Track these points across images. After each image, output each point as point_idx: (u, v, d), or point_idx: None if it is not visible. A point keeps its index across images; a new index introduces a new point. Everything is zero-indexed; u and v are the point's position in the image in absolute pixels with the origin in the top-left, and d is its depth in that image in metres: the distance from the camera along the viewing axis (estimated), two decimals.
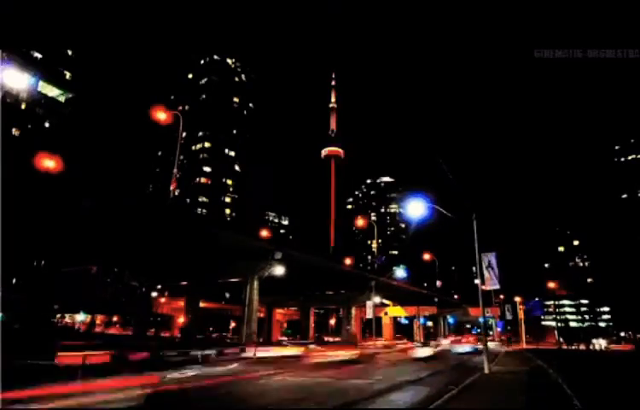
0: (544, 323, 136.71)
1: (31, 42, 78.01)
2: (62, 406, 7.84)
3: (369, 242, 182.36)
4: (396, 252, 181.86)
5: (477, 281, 24.00)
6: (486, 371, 20.05)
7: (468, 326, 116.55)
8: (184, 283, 47.43)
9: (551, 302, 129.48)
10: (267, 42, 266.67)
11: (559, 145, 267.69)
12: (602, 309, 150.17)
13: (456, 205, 25.35)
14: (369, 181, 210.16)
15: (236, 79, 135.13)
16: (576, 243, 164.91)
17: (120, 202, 27.84)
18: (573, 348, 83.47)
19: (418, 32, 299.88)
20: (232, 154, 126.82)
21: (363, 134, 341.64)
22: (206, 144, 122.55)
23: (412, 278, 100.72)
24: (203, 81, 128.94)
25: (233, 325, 79.35)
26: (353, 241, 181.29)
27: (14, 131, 69.08)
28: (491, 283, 22.70)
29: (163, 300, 65.59)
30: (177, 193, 44.52)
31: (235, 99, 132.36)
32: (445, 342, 54.97)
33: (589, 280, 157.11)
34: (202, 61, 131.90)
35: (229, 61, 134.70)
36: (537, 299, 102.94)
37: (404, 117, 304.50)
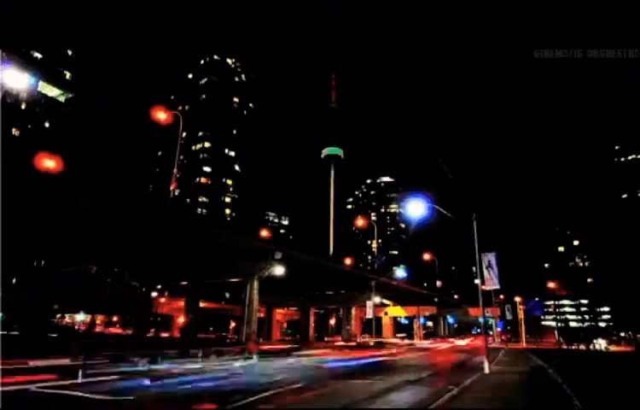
0: (544, 323, 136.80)
1: (31, 42, 78.02)
2: None
3: (369, 242, 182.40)
4: (396, 252, 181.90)
5: (477, 281, 24.00)
6: (486, 371, 20.05)
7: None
8: (184, 283, 47.42)
9: (551, 302, 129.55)
10: (267, 42, 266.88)
11: (559, 145, 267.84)
12: (602, 309, 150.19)
13: (456, 205, 25.37)
14: (369, 181, 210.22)
15: (236, 79, 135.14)
16: (576, 243, 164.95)
17: (120, 202, 27.84)
18: (573, 348, 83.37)
19: (418, 32, 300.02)
20: (232, 154, 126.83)
21: (363, 134, 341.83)
22: (206, 144, 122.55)
23: (412, 278, 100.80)
24: (203, 81, 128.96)
25: (233, 325, 79.30)
26: (353, 241, 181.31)
27: (14, 131, 69.11)
28: (491, 283, 22.70)
29: (163, 300, 65.56)
30: (177, 193, 44.52)
31: (235, 99, 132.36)
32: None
33: (589, 280, 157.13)
34: (202, 61, 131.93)
35: (229, 61, 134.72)
36: (537, 299, 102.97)
37: (404, 117, 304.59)
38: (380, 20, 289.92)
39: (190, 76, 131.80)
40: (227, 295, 77.12)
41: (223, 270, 41.36)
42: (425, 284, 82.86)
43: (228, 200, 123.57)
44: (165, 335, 61.81)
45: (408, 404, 12.72)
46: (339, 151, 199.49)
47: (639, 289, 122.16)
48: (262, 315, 65.10)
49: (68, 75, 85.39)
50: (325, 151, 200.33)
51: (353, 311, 65.67)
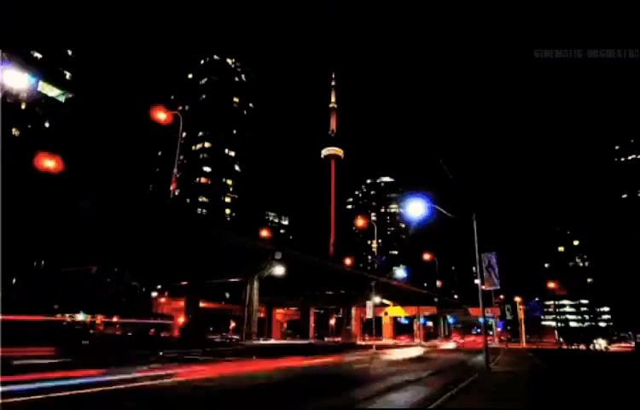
0: (543, 323, 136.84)
1: (31, 42, 78.05)
2: None
3: (369, 242, 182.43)
4: (396, 252, 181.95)
5: (477, 281, 24.01)
6: (487, 370, 20.05)
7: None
8: (184, 283, 47.48)
9: (551, 302, 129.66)
10: (267, 42, 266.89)
11: (559, 145, 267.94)
12: (602, 309, 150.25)
13: (456, 205, 25.34)
14: (369, 181, 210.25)
15: (236, 79, 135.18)
16: (576, 243, 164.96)
17: (120, 203, 27.85)
18: (573, 348, 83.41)
19: (418, 32, 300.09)
20: (232, 154, 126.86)
21: (363, 134, 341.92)
22: (206, 144, 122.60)
23: (412, 278, 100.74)
24: (203, 81, 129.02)
25: (233, 325, 79.26)
26: (353, 241, 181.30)
27: (14, 131, 69.13)
28: (491, 283, 22.70)
29: (163, 300, 65.54)
30: (177, 193, 44.61)
31: (235, 99, 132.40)
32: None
33: (589, 280, 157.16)
34: (202, 61, 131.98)
35: (229, 61, 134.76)
36: (537, 299, 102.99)
37: (403, 117, 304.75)
38: (380, 20, 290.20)
39: (190, 76, 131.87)
40: (227, 295, 77.10)
41: (223, 270, 41.42)
42: (425, 284, 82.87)
43: (228, 200, 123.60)
44: (165, 334, 61.82)
45: (408, 404, 12.72)
46: (339, 151, 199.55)
47: (639, 289, 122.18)
48: (262, 315, 65.17)
49: (68, 75, 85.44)
50: (325, 151, 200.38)
51: (353, 311, 65.71)
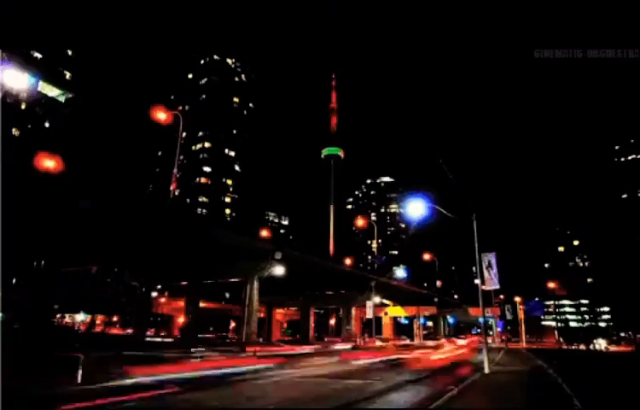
0: (543, 323, 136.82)
1: (31, 42, 78.06)
2: None
3: (369, 242, 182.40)
4: (396, 252, 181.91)
5: (477, 281, 23.99)
6: (486, 371, 20.04)
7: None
8: (184, 283, 47.44)
9: (551, 302, 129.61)
10: (267, 42, 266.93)
11: (559, 145, 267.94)
12: (602, 309, 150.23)
13: (456, 205, 25.33)
14: (369, 181, 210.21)
15: (236, 79, 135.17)
16: (576, 243, 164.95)
17: (120, 203, 27.84)
18: (573, 348, 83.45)
19: (418, 32, 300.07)
20: (232, 154, 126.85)
21: (363, 134, 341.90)
22: (206, 144, 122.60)
23: (412, 278, 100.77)
24: (203, 81, 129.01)
25: (233, 325, 79.35)
26: (353, 241, 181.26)
27: (14, 131, 69.14)
28: (491, 283, 22.68)
29: (163, 300, 65.60)
30: (177, 193, 44.61)
31: (235, 99, 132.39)
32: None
33: (589, 280, 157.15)
34: (202, 61, 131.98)
35: (229, 61, 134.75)
36: (537, 299, 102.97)
37: (403, 117, 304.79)
38: (380, 20, 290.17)
39: (190, 76, 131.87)
40: (227, 295, 77.11)
41: (223, 270, 41.37)
42: (425, 284, 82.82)
43: (228, 200, 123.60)
44: (165, 334, 61.88)
45: (408, 404, 12.72)
46: (339, 151, 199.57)
47: (639, 289, 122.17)
48: (262, 315, 65.05)
49: (68, 75, 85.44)
50: (325, 151, 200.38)
51: (353, 311, 65.61)
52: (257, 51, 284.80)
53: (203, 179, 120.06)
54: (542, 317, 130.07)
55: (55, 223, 28.54)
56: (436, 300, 77.92)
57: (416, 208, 22.58)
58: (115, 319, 78.13)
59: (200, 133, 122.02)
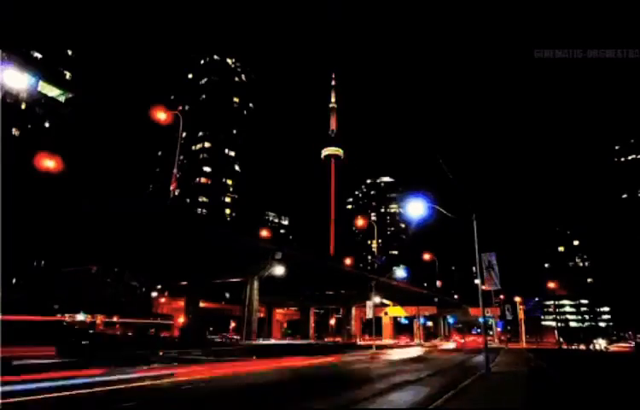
0: (543, 323, 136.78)
1: (31, 42, 78.02)
2: None
3: (369, 242, 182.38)
4: (396, 252, 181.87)
5: (477, 281, 23.99)
6: (486, 371, 20.05)
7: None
8: (184, 283, 47.48)
9: (551, 302, 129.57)
10: (267, 42, 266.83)
11: (559, 145, 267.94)
12: (602, 309, 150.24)
13: (456, 205, 25.33)
14: (369, 181, 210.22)
15: (236, 79, 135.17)
16: (576, 243, 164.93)
17: (120, 203, 27.85)
18: (573, 348, 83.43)
19: (418, 32, 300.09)
20: (232, 154, 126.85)
21: (363, 134, 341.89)
22: (206, 144, 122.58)
23: (412, 278, 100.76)
24: (203, 81, 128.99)
25: (233, 325, 79.26)
26: (353, 241, 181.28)
27: (14, 131, 69.12)
28: (491, 283, 22.68)
29: (163, 300, 65.56)
30: (177, 193, 44.58)
31: (235, 99, 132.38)
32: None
33: (589, 280, 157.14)
34: (202, 61, 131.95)
35: (229, 61, 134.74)
36: (537, 299, 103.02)
37: (403, 117, 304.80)
38: (380, 20, 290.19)
39: (190, 76, 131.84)
40: (227, 295, 77.10)
41: (223, 270, 41.42)
42: (425, 284, 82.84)
43: (228, 200, 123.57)
44: (165, 334, 61.83)
45: (408, 404, 12.73)
46: (339, 151, 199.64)
47: (639, 289, 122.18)
48: (262, 315, 65.14)
49: (68, 75, 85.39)
50: (325, 151, 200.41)
51: (353, 311, 65.70)
52: (257, 51, 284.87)
53: (203, 179, 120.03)
54: (542, 317, 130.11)
55: (55, 223, 28.54)
56: (436, 300, 77.97)
57: (415, 208, 22.57)
58: (115, 319, 78.05)
59: (200, 133, 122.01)
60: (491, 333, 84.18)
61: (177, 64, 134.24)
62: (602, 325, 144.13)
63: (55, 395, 11.44)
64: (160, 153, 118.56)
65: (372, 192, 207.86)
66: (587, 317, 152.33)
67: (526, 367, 25.99)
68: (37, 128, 75.65)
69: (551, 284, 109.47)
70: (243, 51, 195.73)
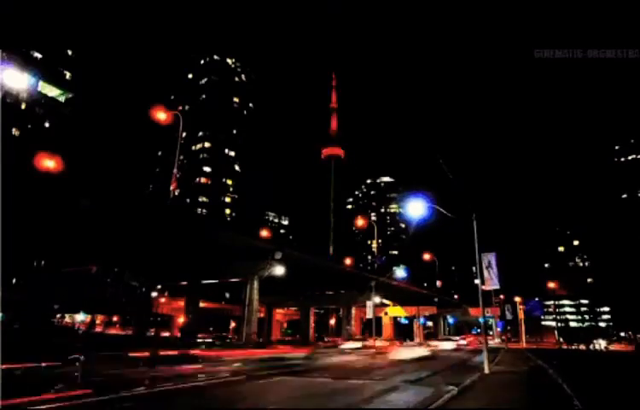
0: (543, 323, 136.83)
1: (31, 42, 77.99)
2: None
3: (369, 242, 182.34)
4: (396, 252, 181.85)
5: (477, 281, 23.99)
6: (486, 371, 20.04)
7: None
8: (184, 283, 47.46)
9: (551, 302, 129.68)
10: (267, 42, 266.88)
11: (559, 145, 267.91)
12: (602, 309, 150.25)
13: (456, 205, 25.35)
14: (369, 181, 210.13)
15: (236, 79, 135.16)
16: (576, 243, 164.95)
17: (120, 203, 27.84)
18: (573, 348, 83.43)
19: (418, 31, 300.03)
20: (232, 154, 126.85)
21: (363, 134, 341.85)
22: (206, 144, 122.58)
23: (412, 278, 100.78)
24: (203, 81, 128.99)
25: (233, 325, 79.26)
26: (353, 241, 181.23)
27: (14, 131, 69.12)
28: (491, 283, 22.69)
29: (163, 300, 65.54)
30: (177, 193, 44.56)
31: (235, 99, 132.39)
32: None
33: (589, 280, 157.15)
34: (202, 61, 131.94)
35: (229, 61, 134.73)
36: (537, 299, 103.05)
37: (403, 117, 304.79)
38: (380, 19, 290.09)
39: (190, 76, 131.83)
40: (227, 295, 77.07)
41: (223, 270, 41.39)
42: (425, 284, 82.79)
43: (228, 200, 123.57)
44: (165, 334, 61.83)
45: (408, 404, 12.71)
46: (339, 151, 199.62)
47: (639, 289, 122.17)
48: (262, 315, 65.09)
49: (68, 75, 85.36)
50: (325, 151, 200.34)
51: (353, 311, 65.69)
52: (257, 51, 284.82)
53: (203, 179, 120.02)
54: (542, 317, 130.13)
55: (55, 223, 28.53)
56: (436, 300, 77.94)
57: (415, 208, 22.60)
58: (115, 318, 78.09)
59: (200, 133, 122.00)
60: (491, 333, 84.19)
61: (177, 64, 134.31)
62: (602, 325, 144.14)
63: None
64: (160, 153, 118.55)
65: (372, 192, 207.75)
66: (587, 317, 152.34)
67: (527, 367, 25.98)
68: (37, 128, 75.62)
69: (551, 284, 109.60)
70: (243, 51, 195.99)
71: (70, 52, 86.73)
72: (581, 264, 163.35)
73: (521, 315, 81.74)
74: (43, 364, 16.81)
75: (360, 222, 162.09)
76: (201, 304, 54.44)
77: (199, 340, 43.02)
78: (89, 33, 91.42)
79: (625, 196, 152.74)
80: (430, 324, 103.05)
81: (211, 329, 76.70)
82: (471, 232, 22.37)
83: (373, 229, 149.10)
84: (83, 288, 47.77)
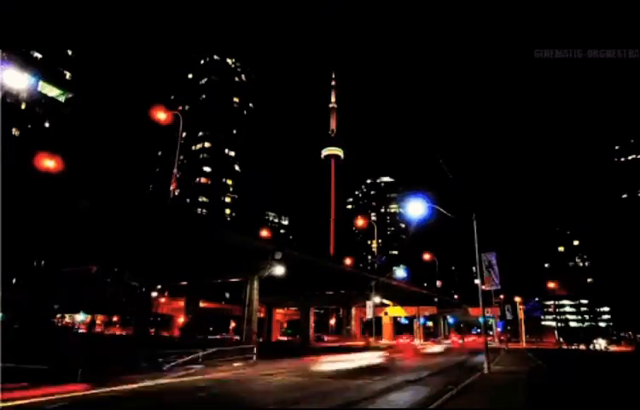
0: (543, 323, 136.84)
1: (31, 42, 78.01)
2: None
3: (369, 242, 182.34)
4: (396, 252, 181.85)
5: (477, 281, 23.99)
6: (486, 371, 20.05)
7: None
8: (184, 283, 47.41)
9: (551, 302, 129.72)
10: (267, 42, 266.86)
11: (559, 145, 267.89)
12: (602, 309, 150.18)
13: (456, 205, 25.35)
14: (369, 181, 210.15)
15: (236, 79, 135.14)
16: (576, 243, 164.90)
17: (120, 203, 27.83)
18: (573, 348, 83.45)
19: (418, 31, 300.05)
20: (232, 154, 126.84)
21: (363, 134, 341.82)
22: (206, 144, 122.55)
23: (412, 278, 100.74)
24: (203, 81, 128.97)
25: (233, 324, 79.29)
26: (353, 241, 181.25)
27: (14, 131, 69.13)
28: (491, 283, 22.69)
29: (163, 300, 65.56)
30: (177, 193, 44.54)
31: (235, 99, 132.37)
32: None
33: (589, 280, 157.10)
34: (202, 61, 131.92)
35: (229, 61, 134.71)
36: (537, 299, 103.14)
37: (403, 117, 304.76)
38: (380, 19, 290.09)
39: (190, 76, 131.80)
40: (227, 295, 77.10)
41: (223, 270, 41.33)
42: (425, 284, 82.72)
43: (228, 200, 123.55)
44: (165, 334, 61.86)
45: (408, 404, 12.72)
46: (339, 151, 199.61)
47: (639, 289, 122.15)
48: (262, 315, 65.05)
49: (68, 75, 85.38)
50: (325, 151, 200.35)
51: (353, 311, 65.61)
52: (257, 51, 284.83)
53: (203, 179, 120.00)
54: (542, 317, 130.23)
55: (55, 223, 28.52)
56: (436, 300, 77.87)
57: (416, 208, 22.58)
58: (115, 318, 78.15)
59: (200, 133, 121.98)
60: (491, 333, 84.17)
61: (177, 64, 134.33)
62: (602, 325, 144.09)
63: None
64: (160, 153, 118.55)
65: (372, 192, 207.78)
66: (587, 317, 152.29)
67: (527, 367, 25.99)
68: (37, 128, 75.64)
69: (551, 284, 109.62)
70: (243, 51, 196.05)
71: (70, 52, 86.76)
72: (581, 264, 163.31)
73: (521, 315, 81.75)
74: None
75: (360, 222, 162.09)
76: (201, 304, 54.43)
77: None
78: (89, 33, 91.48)
79: (625, 196, 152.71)
80: (430, 324, 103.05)
81: (211, 329, 76.82)
82: (471, 232, 22.37)
83: (373, 229, 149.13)
84: (83, 288, 47.81)
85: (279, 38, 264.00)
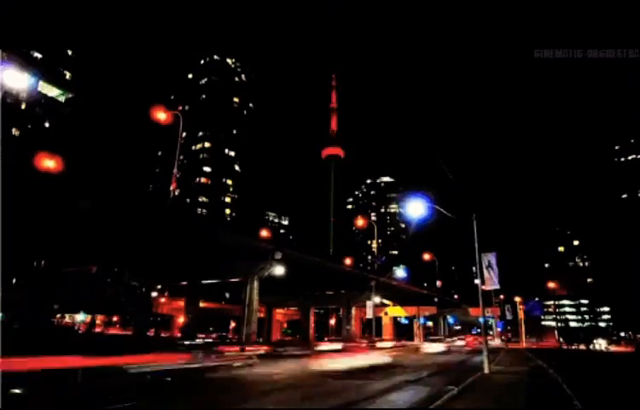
0: (544, 323, 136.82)
1: (31, 42, 78.02)
2: None
3: (369, 242, 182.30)
4: (396, 252, 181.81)
5: (477, 281, 23.99)
6: (486, 371, 20.05)
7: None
8: (184, 283, 47.41)
9: (551, 302, 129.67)
10: (267, 42, 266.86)
11: (559, 145, 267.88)
12: (602, 309, 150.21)
13: (456, 205, 25.35)
14: (369, 181, 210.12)
15: (236, 79, 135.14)
16: (576, 243, 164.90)
17: (120, 203, 27.83)
18: (573, 348, 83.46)
19: (418, 31, 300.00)
20: (232, 154, 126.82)
21: (363, 134, 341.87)
22: (206, 144, 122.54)
23: (412, 278, 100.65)
24: (203, 81, 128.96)
25: (233, 324, 79.28)
26: (353, 241, 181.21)
27: (14, 131, 69.14)
28: (491, 283, 22.69)
29: (163, 300, 65.53)
30: (177, 193, 44.53)
31: (235, 99, 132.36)
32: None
33: (589, 280, 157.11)
34: (202, 61, 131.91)
35: (229, 61, 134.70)
36: (537, 299, 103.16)
37: (403, 117, 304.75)
38: (380, 19, 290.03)
39: (190, 76, 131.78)
40: (227, 295, 77.05)
41: (223, 270, 41.31)
42: (425, 284, 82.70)
43: (228, 200, 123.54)
44: (165, 334, 61.79)
45: (408, 404, 12.72)
46: (339, 151, 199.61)
47: (639, 289, 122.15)
48: (262, 315, 65.01)
49: (68, 75, 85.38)
50: (325, 151, 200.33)
51: (353, 311, 65.59)
52: (257, 51, 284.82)
53: (203, 179, 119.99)
54: (542, 317, 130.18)
55: (55, 223, 28.52)
56: (436, 300, 77.89)
57: (416, 208, 22.62)
58: (115, 318, 78.07)
59: (200, 133, 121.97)
60: (491, 333, 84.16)
61: (177, 64, 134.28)
62: (602, 325, 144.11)
63: None
64: (160, 153, 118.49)
65: (372, 192, 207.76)
66: (587, 317, 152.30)
67: (527, 367, 25.99)
68: (37, 128, 75.65)
69: (551, 284, 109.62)
70: (243, 51, 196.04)
71: (70, 52, 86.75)
72: (581, 264, 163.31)
73: (521, 315, 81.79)
74: None
75: (360, 222, 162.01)
76: (201, 304, 54.43)
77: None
78: (88, 33, 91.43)
79: (625, 196, 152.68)
80: (430, 324, 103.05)
81: (211, 329, 76.79)
82: (471, 232, 22.37)
83: (373, 229, 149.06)
84: (83, 288, 47.79)
85: (279, 38, 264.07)
